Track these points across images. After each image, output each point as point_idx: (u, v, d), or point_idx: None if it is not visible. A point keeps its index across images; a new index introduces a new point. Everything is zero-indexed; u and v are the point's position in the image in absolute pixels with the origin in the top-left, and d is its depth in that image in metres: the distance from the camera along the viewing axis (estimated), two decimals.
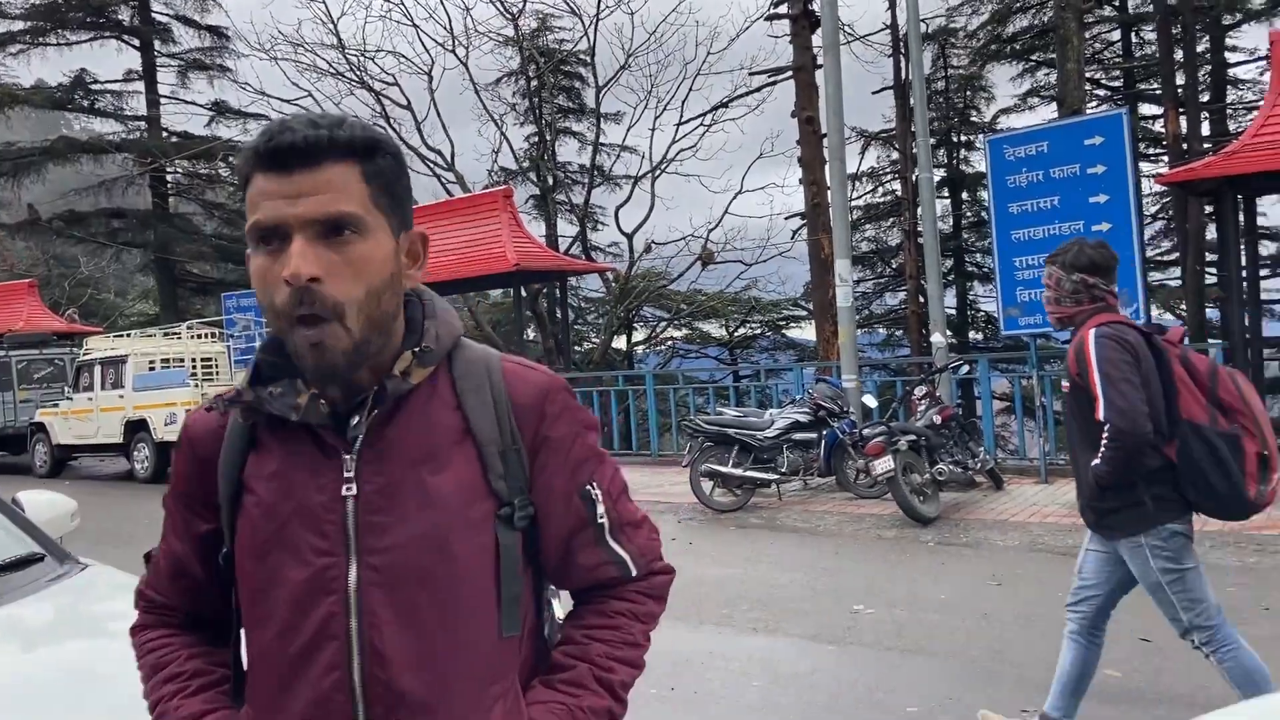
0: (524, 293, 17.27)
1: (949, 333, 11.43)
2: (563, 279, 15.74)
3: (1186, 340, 3.35)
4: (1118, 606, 3.50)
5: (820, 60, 13.41)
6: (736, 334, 23.37)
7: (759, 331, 23.46)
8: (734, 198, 20.84)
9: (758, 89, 18.52)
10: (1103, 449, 2.99)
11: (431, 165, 20.66)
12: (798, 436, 9.18)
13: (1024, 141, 9.21)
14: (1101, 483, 3.04)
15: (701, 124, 19.54)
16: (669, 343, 24.53)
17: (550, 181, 21.58)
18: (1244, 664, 3.12)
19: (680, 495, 9.63)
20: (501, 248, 14.02)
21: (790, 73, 15.67)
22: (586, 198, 21.77)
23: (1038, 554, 6.72)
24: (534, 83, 21.25)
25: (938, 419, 8.67)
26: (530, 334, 22.12)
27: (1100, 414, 2.97)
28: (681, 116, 19.88)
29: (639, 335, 24.04)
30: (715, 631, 5.31)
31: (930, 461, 8.22)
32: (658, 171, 20.19)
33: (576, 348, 23.51)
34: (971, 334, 21.73)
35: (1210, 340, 14.08)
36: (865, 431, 8.46)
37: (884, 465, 7.70)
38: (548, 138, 21.81)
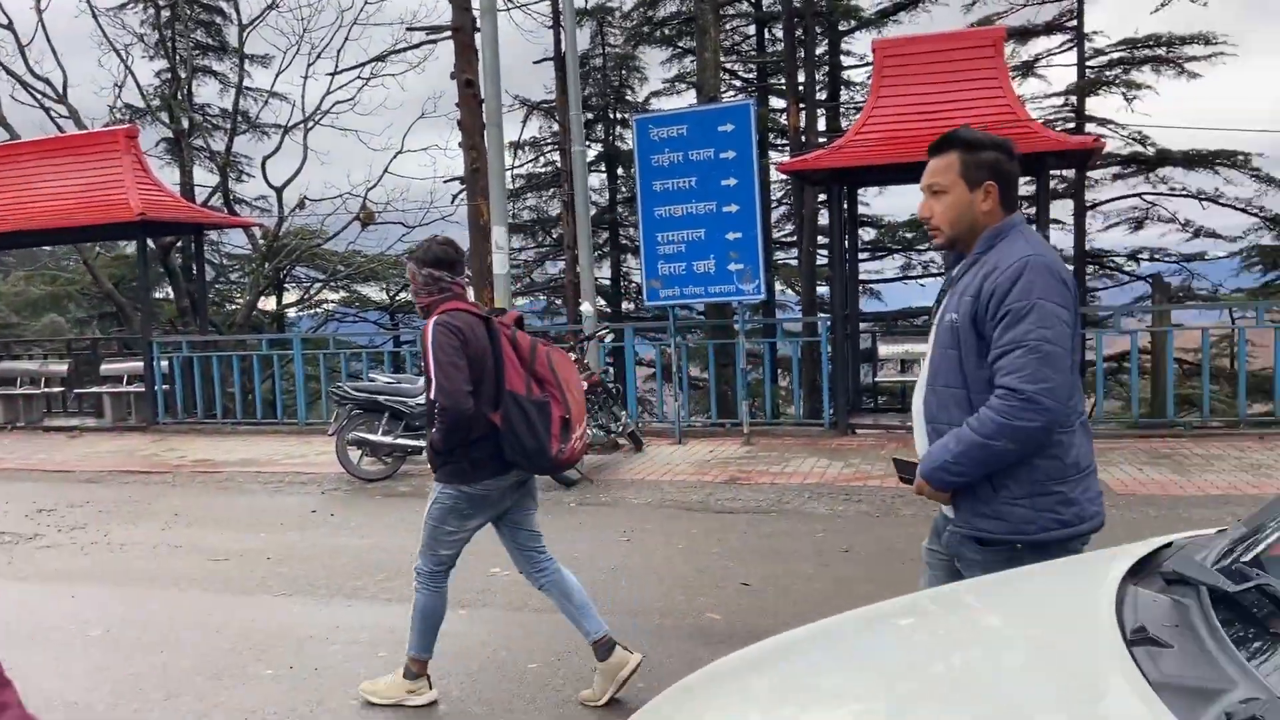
0: (152, 245, 15.57)
1: (601, 302, 11.89)
2: (198, 232, 14.39)
3: (528, 324, 4.05)
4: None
5: (480, 23, 13.29)
6: (398, 298, 22.75)
7: None
8: (395, 157, 20.14)
9: (417, 45, 18.05)
10: (436, 423, 3.50)
11: (38, 96, 17.96)
12: None
13: (666, 123, 9.75)
14: (436, 448, 3.57)
15: (359, 76, 18.71)
16: (324, 305, 23.37)
17: (186, 124, 19.59)
18: (432, 607, 3.80)
19: (326, 465, 9.24)
20: (123, 194, 12.53)
21: (450, 33, 15.39)
22: (228, 145, 20.05)
23: (665, 509, 7.24)
24: (165, 12, 19.11)
25: (584, 385, 9.02)
26: (162, 293, 20.05)
27: (431, 394, 3.48)
28: (337, 66, 18.88)
29: (291, 297, 22.66)
30: (345, 605, 5.18)
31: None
32: (311, 123, 19.04)
33: (220, 308, 21.69)
34: (625, 304, 22.80)
35: (820, 314, 15.91)
36: None
37: None
38: (182, 75, 19.74)
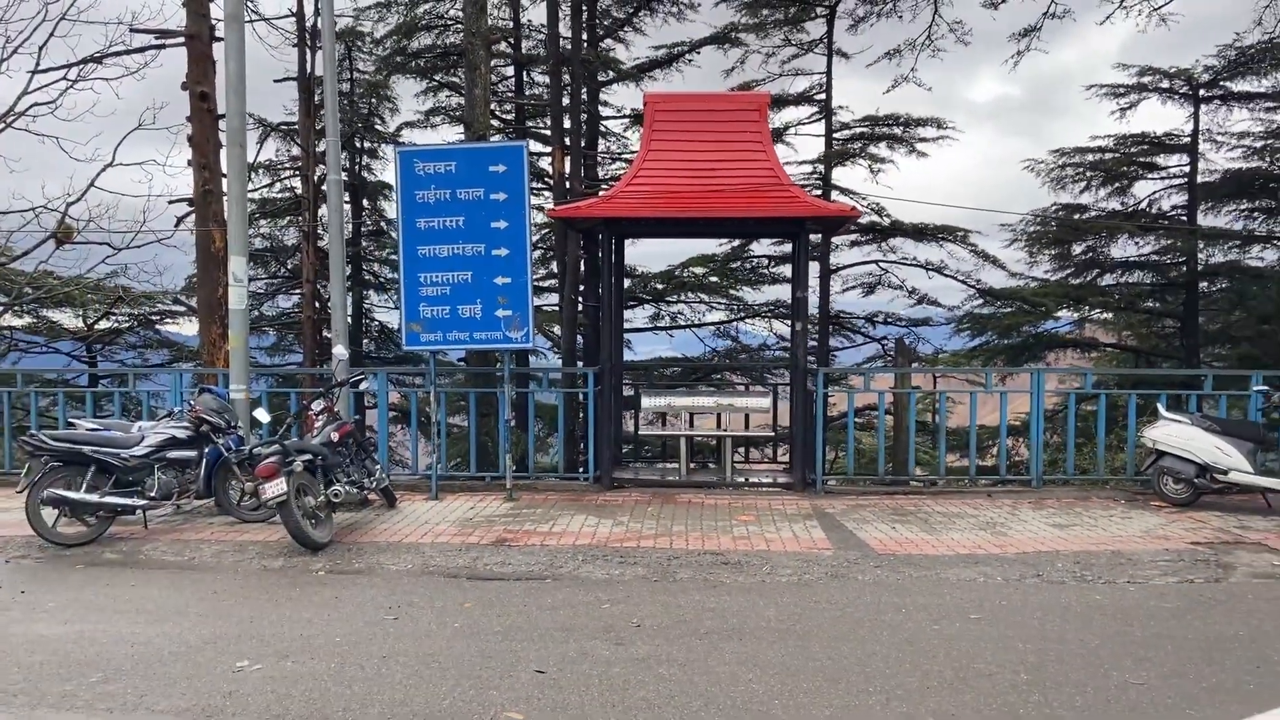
0: None
1: (349, 345, 11.13)
2: None
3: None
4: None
5: (220, 32, 12.22)
6: (97, 327, 20.31)
7: (128, 326, 20.71)
8: (103, 170, 18.00)
9: (140, 49, 16.37)
10: None
11: None
12: (174, 455, 8.10)
13: (434, 158, 9.32)
14: None
15: (65, 78, 16.66)
16: (5, 332, 20.43)
17: None
18: None
19: (13, 527, 7.88)
20: None
21: (182, 39, 14.08)
22: None
23: (430, 577, 6.73)
24: None
25: (335, 436, 8.32)
26: None
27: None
28: (38, 64, 16.74)
29: None
30: (52, 718, 4.27)
31: (326, 482, 7.83)
32: (1, 124, 16.68)
33: None
34: (365, 343, 21.72)
35: (582, 364, 15.85)
36: (256, 450, 7.75)
37: (276, 488, 7.11)
38: None
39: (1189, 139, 16.99)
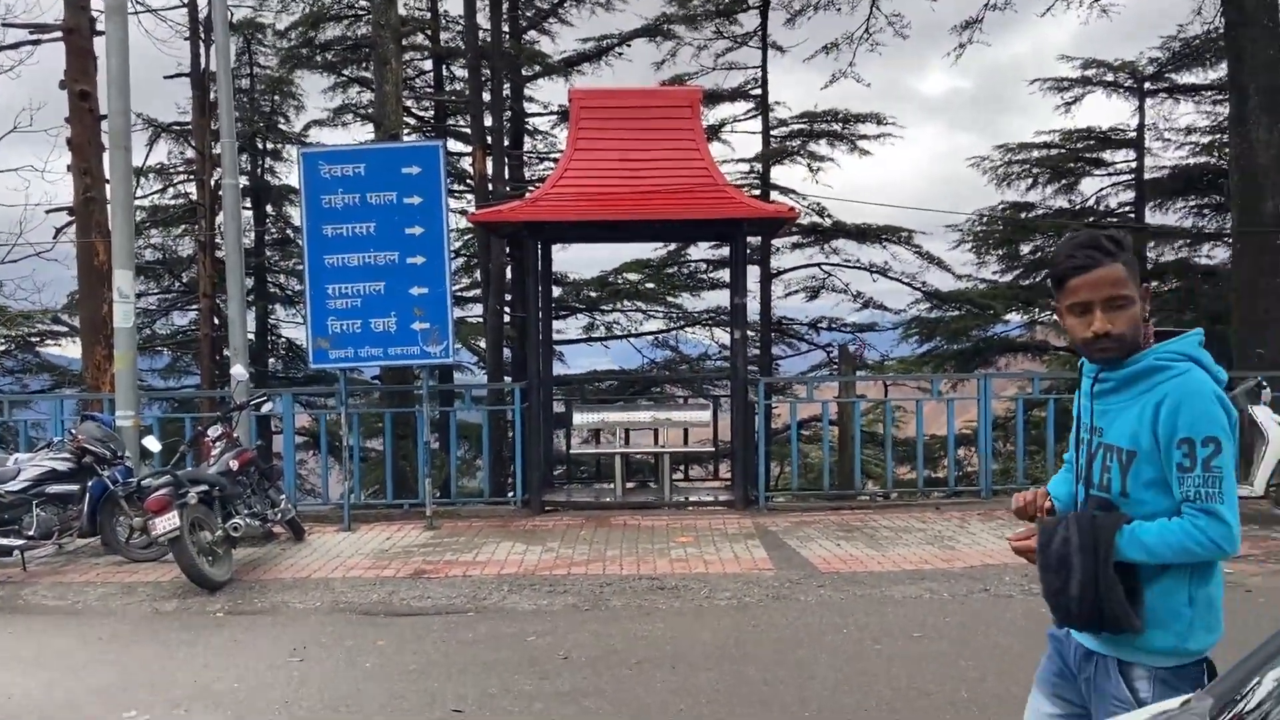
0: None
1: (250, 364, 10.95)
2: None
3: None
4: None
5: (102, 25, 11.96)
6: None
7: (4, 349, 20.08)
8: None
9: (14, 45, 15.91)
10: None
11: None
12: (54, 489, 7.89)
13: (341, 160, 9.23)
14: None
15: None
16: None
17: None
18: None
19: None
20: None
21: (60, 33, 13.74)
22: None
23: (341, 615, 6.64)
24: None
25: (234, 464, 8.16)
26: None
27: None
28: None
29: None
30: None
31: (224, 515, 7.68)
32: None
33: None
34: (271, 362, 21.37)
35: (508, 378, 15.78)
36: (146, 481, 7.58)
37: (168, 523, 6.95)
38: None
39: (1135, 134, 17.59)
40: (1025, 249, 18.30)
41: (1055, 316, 2.73)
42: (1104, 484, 2.39)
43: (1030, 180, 18.14)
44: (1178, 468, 2.26)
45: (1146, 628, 2.31)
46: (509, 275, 17.00)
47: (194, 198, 18.98)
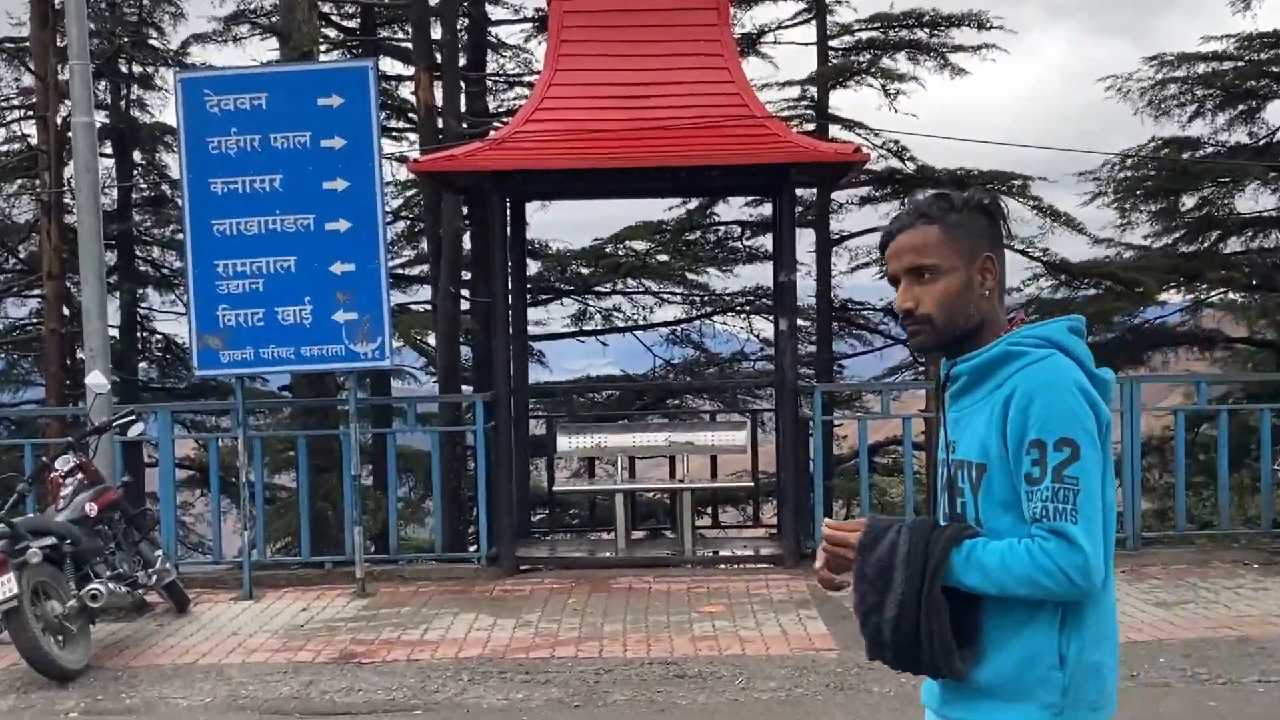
0: None
1: (113, 370, 11.05)
2: None
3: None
4: None
5: None
6: None
7: None
8: None
9: None
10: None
11: None
12: None
13: (235, 88, 9.29)
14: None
15: None
16: None
17: None
18: None
19: None
20: None
21: None
22: None
23: (240, 716, 6.72)
24: None
25: (93, 509, 8.24)
26: None
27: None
28: None
29: None
30: None
31: (79, 579, 7.74)
32: None
33: None
34: (143, 367, 21.50)
35: (468, 389, 15.84)
36: None
37: (1, 591, 7.03)
38: None
39: None
40: (1188, 202, 18.21)
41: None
42: (959, 512, 2.50)
43: (1195, 107, 18.06)
44: (1026, 478, 2.35)
45: (1006, 696, 2.38)
46: (467, 246, 17.07)
47: (33, 141, 19.11)
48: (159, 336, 21.97)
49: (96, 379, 9.41)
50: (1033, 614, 2.36)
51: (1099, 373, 2.47)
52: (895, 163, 18.10)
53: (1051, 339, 2.46)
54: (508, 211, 11.12)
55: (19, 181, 20.44)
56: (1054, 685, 2.35)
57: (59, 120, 16.88)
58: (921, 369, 17.03)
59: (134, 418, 9.53)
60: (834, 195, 17.58)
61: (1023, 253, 18.19)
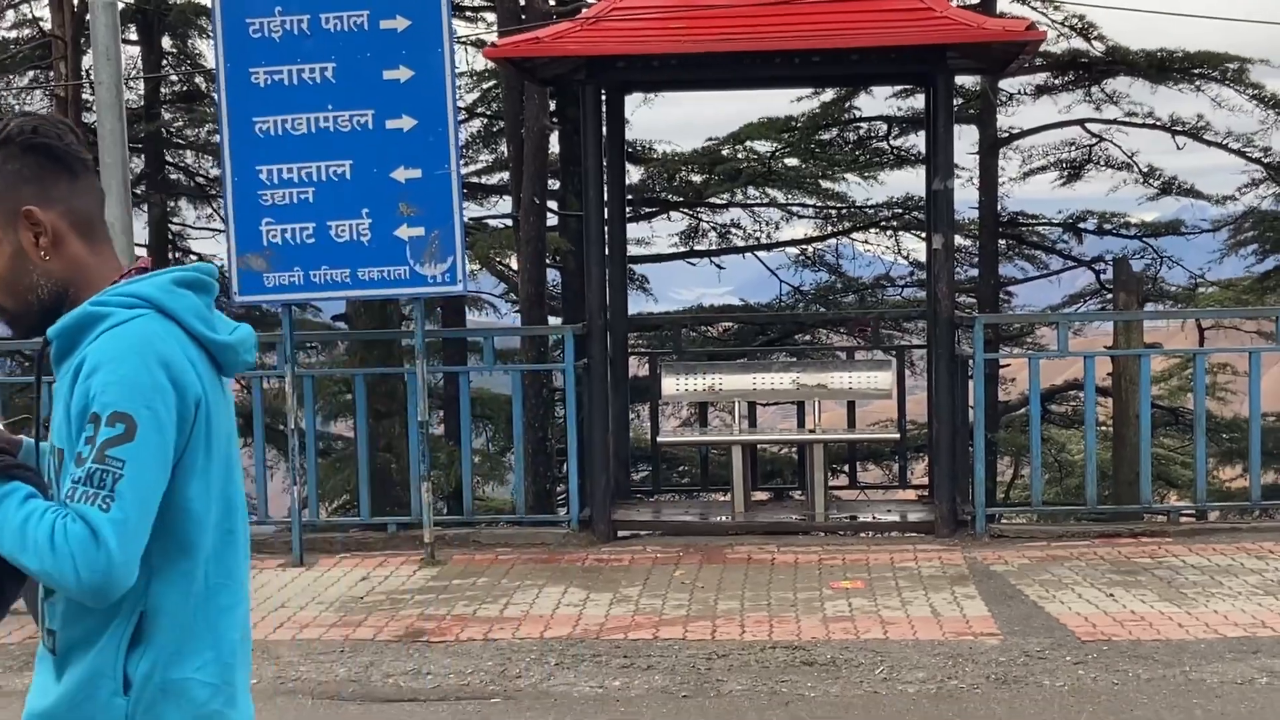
0: None
1: None
2: None
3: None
4: None
5: None
6: None
7: None
8: None
9: None
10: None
11: None
12: None
13: None
14: None
15: None
16: None
17: None
18: None
19: None
20: None
21: None
22: None
23: (290, 702, 6.85)
24: None
25: None
26: None
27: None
28: None
29: None
30: None
31: None
32: None
33: None
34: None
35: (557, 319, 15.90)
36: None
37: None
38: None
39: None
40: None
41: None
42: None
43: None
44: (76, 458, 2.25)
45: None
46: (555, 149, 17.07)
47: (46, 26, 19.44)
48: (194, 257, 22.31)
49: None
50: (106, 623, 2.28)
51: (219, 336, 2.40)
52: (1079, 43, 17.75)
53: (146, 296, 2.35)
54: (603, 106, 11.11)
55: (30, 73, 20.84)
56: (116, 714, 2.27)
57: (76, 0, 17.16)
58: (1109, 296, 16.77)
59: None
60: (1002, 84, 17.29)
61: (1238, 153, 17.81)
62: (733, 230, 19.85)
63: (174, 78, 21.79)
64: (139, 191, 19.34)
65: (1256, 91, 17.48)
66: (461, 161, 9.57)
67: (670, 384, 11.18)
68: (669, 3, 10.24)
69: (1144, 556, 9.36)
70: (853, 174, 19.00)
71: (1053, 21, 17.28)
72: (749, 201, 19.51)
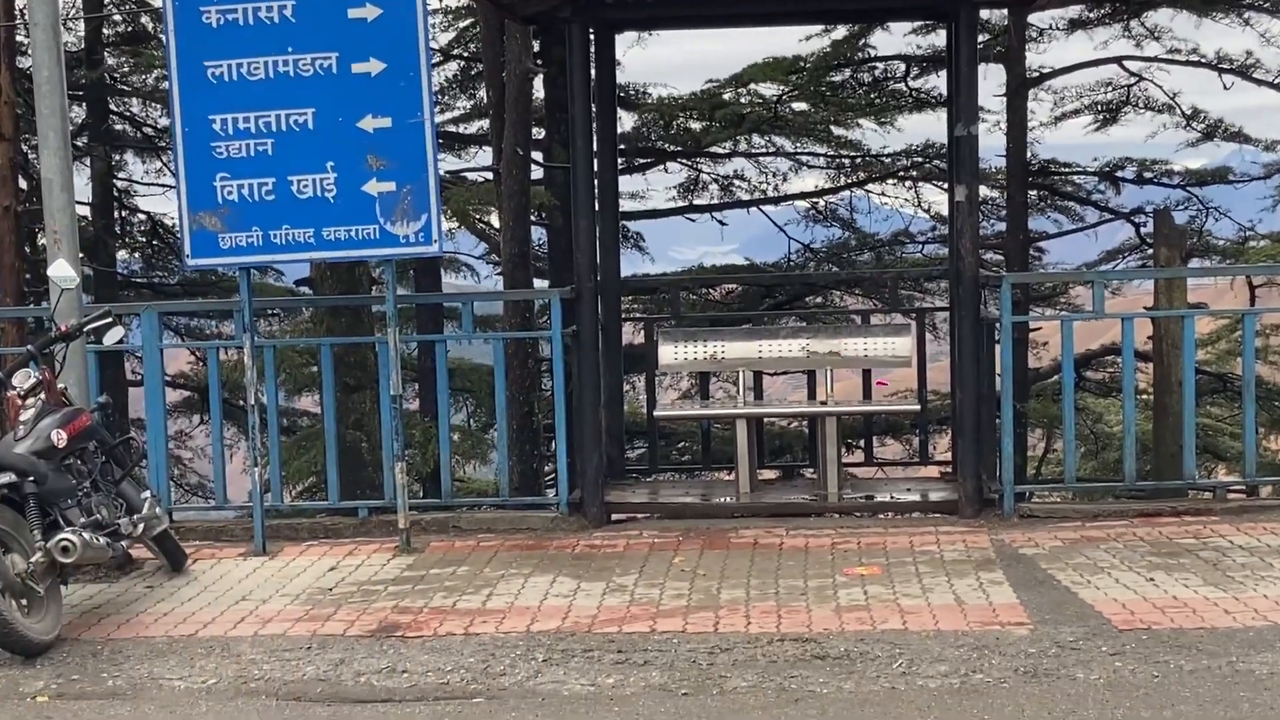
0: None
1: (84, 259, 11.22)
2: None
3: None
4: None
5: None
6: None
7: None
8: None
9: None
10: None
11: None
12: None
13: None
14: None
15: None
16: None
17: None
18: None
19: None
20: None
21: None
22: None
23: (251, 703, 6.85)
24: None
25: (61, 436, 8.41)
26: None
27: None
28: None
29: None
30: None
31: (47, 526, 7.94)
32: None
33: None
34: (122, 256, 21.81)
35: (543, 283, 15.90)
36: None
37: None
38: None
39: None
40: None
41: None
42: None
43: None
44: None
45: None
46: (539, 94, 17.03)
47: None
48: (142, 216, 22.27)
49: (62, 269, 9.53)
50: None
51: None
52: None
53: None
54: (591, 46, 11.08)
55: None
56: None
57: None
58: (1149, 251, 16.77)
59: (111, 320, 9.63)
60: (1031, 18, 17.25)
61: None
62: (736, 182, 19.87)
63: (117, 17, 21.72)
64: (80, 144, 19.30)
65: None
66: (436, 109, 9.55)
67: (668, 352, 11.19)
68: None
69: (1187, 537, 9.37)
70: (867, 119, 18.94)
71: None
72: (753, 150, 19.49)
